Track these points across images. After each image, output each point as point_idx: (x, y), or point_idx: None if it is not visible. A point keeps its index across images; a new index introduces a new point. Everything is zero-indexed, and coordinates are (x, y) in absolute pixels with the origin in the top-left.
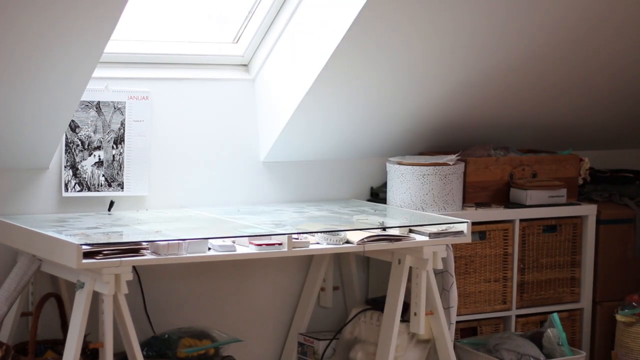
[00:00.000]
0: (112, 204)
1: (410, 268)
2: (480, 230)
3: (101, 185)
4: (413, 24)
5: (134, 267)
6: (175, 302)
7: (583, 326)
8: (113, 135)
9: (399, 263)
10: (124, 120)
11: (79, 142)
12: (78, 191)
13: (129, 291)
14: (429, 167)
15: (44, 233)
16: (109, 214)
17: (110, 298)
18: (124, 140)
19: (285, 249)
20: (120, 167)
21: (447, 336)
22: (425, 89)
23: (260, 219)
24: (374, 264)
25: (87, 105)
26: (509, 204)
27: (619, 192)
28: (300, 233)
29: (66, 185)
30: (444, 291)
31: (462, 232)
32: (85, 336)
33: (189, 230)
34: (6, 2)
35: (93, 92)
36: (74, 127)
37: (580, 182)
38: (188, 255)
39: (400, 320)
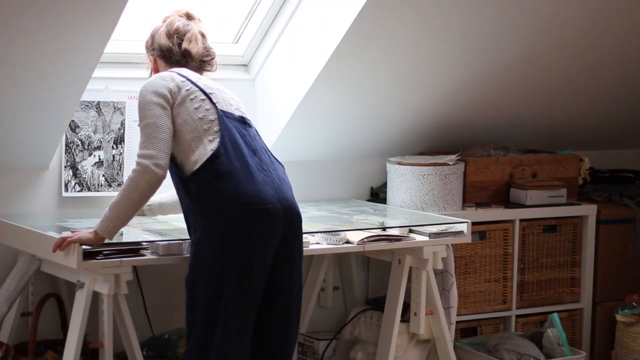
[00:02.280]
0: None
1: (410, 268)
2: (480, 230)
3: (101, 186)
4: (412, 25)
5: (134, 267)
6: (175, 302)
7: (583, 326)
8: (113, 135)
9: (399, 263)
10: (124, 120)
11: (79, 142)
12: (78, 191)
13: (129, 291)
14: (429, 167)
15: (44, 233)
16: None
17: (110, 298)
18: (124, 140)
19: None
20: (120, 167)
21: (447, 336)
22: (425, 89)
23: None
24: (374, 264)
25: (87, 105)
26: (509, 204)
27: (619, 192)
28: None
29: (66, 185)
30: (444, 291)
31: (462, 232)
32: (85, 336)
33: None
34: (6, 3)
35: (93, 92)
36: (74, 127)
37: (580, 182)
38: (188, 255)
39: (400, 320)
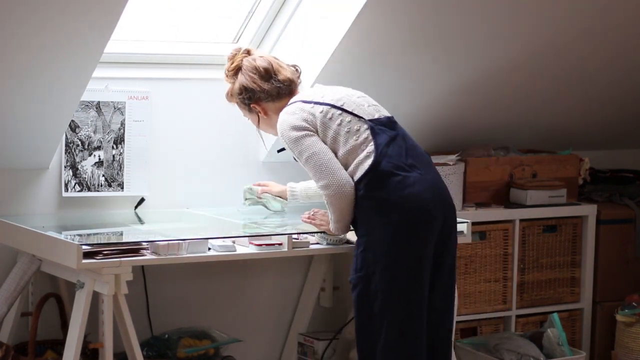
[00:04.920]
0: (141, 201)
1: None
2: (480, 230)
3: (101, 185)
4: (412, 26)
5: (142, 267)
6: (175, 302)
7: (583, 326)
8: (113, 135)
9: None
10: (124, 120)
11: (79, 142)
12: (78, 191)
13: (132, 291)
14: None
15: (44, 233)
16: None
17: (110, 298)
18: (124, 140)
19: (285, 249)
20: (120, 167)
21: None
22: (425, 89)
23: (260, 219)
24: None
25: (87, 105)
26: (509, 204)
27: (619, 192)
28: (300, 233)
29: (66, 185)
30: None
31: (462, 232)
32: (85, 336)
33: (189, 230)
34: (6, 3)
35: (93, 92)
36: (74, 127)
37: (580, 182)
38: (188, 255)
39: None
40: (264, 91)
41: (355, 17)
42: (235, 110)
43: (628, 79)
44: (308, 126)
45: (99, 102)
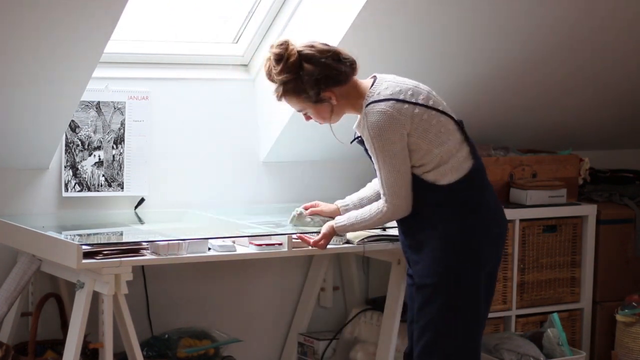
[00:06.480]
0: (141, 201)
1: None
2: None
3: (101, 185)
4: (411, 25)
5: (142, 267)
6: (175, 302)
7: (583, 326)
8: (113, 135)
9: (399, 263)
10: (124, 120)
11: (79, 142)
12: (78, 191)
13: (132, 291)
14: None
15: (44, 233)
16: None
17: (110, 298)
18: (124, 140)
19: (285, 249)
20: (120, 167)
21: None
22: None
23: (260, 219)
24: (374, 264)
25: (87, 105)
26: (509, 204)
27: (619, 192)
28: (300, 233)
29: (66, 185)
30: None
31: None
32: (85, 336)
33: (189, 230)
34: (6, 3)
35: (93, 92)
36: (74, 127)
37: (580, 182)
38: (188, 255)
39: (400, 320)
40: (341, 73)
41: (356, 17)
42: (235, 110)
43: (628, 79)
44: (404, 134)
45: (99, 102)
